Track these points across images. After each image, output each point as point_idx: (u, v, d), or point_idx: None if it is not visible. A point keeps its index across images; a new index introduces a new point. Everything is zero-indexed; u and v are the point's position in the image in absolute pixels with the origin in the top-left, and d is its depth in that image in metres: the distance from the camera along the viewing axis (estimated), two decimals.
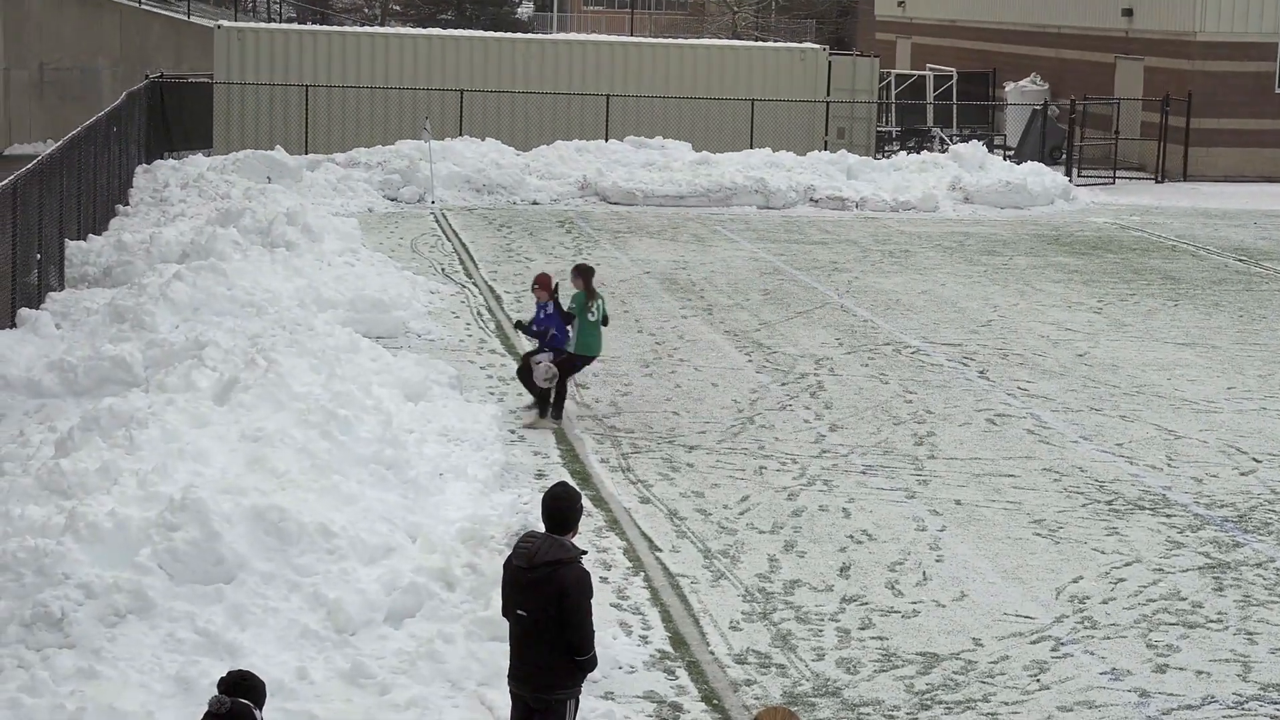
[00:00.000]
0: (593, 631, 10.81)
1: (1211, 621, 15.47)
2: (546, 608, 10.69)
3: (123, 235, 31.35)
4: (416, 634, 13.47)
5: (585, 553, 11.06)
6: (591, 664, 10.87)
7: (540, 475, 19.33)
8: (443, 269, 32.45)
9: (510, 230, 38.02)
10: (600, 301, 21.89)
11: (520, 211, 41.38)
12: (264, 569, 13.97)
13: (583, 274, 22.03)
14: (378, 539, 15.09)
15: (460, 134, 47.44)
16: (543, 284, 22.05)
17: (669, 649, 14.53)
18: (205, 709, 9.30)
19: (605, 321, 21.99)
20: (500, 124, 49.12)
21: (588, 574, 10.82)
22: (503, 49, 51.23)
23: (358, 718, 12.08)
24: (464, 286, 30.72)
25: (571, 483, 18.93)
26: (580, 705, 11.07)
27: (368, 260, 30.23)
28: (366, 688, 12.66)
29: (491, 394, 22.87)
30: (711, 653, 14.48)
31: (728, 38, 78.17)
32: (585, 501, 18.22)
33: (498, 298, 29.84)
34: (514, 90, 50.03)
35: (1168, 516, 18.48)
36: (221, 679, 9.46)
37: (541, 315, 21.92)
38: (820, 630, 15.03)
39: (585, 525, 17.60)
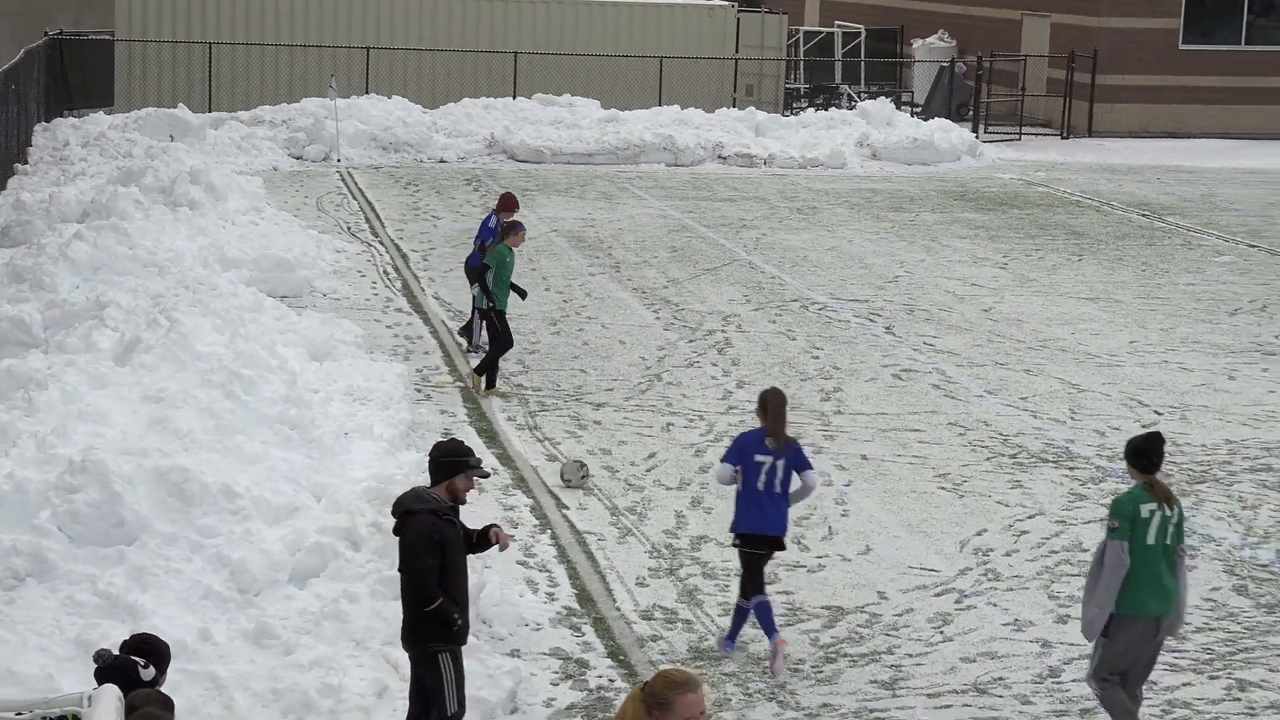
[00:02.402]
0: (429, 581, 10.72)
1: None
2: (400, 559, 10.92)
3: (21, 194, 30.96)
4: (321, 594, 13.42)
5: (453, 505, 11.01)
6: (444, 616, 10.74)
7: (447, 434, 19.26)
8: (348, 227, 32.27)
9: (417, 188, 37.84)
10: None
11: (427, 170, 41.19)
12: (166, 530, 13.87)
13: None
14: (282, 499, 15.01)
15: (367, 92, 47.12)
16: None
17: (575, 606, 14.54)
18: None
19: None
20: (407, 81, 48.83)
21: (430, 523, 10.78)
22: (409, 6, 50.89)
23: (261, 678, 12.02)
24: (370, 245, 30.56)
25: (472, 439, 18.94)
26: (461, 660, 11.08)
27: (272, 219, 30.02)
28: (270, 648, 12.60)
29: (398, 353, 22.77)
30: (618, 609, 14.50)
31: None
32: (491, 459, 18.28)
33: (404, 256, 29.71)
34: (421, 48, 49.74)
35: (1070, 469, 18.63)
36: (124, 642, 9.38)
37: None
38: (726, 586, 15.07)
39: (492, 484, 17.58)
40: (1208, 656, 13.80)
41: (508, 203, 23.30)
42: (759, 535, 13.41)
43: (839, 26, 61.54)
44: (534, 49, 50.00)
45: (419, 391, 20.90)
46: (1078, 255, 31.68)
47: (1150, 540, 11.79)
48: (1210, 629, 14.36)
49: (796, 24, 63.11)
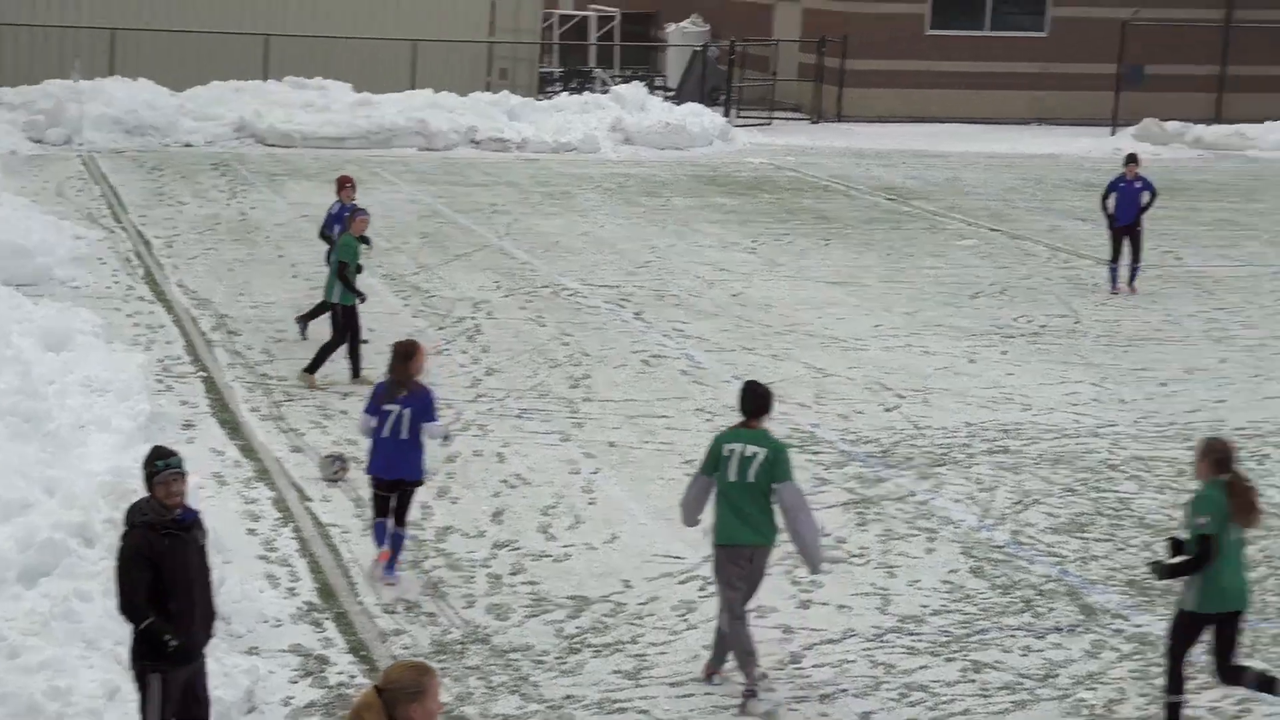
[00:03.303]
0: (135, 600, 10.27)
1: (854, 556, 15.81)
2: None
3: None
4: (51, 593, 13.06)
5: (181, 516, 10.45)
6: (154, 636, 10.27)
7: (189, 425, 18.97)
8: (90, 214, 31.58)
9: (162, 173, 37.16)
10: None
11: (174, 154, 40.47)
12: None
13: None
14: (13, 494, 14.60)
15: (111, 73, 46.13)
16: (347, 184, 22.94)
17: (317, 600, 14.36)
18: None
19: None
20: (154, 64, 47.82)
21: (141, 539, 10.31)
22: None
23: None
24: (112, 231, 29.95)
25: (214, 431, 18.63)
26: (175, 682, 10.52)
27: (9, 204, 29.23)
28: None
29: (139, 342, 22.32)
30: (360, 603, 14.36)
31: None
32: (234, 451, 18.01)
33: (147, 243, 29.15)
34: (169, 29, 48.82)
35: (815, 453, 18.84)
36: None
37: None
38: (472, 577, 15.01)
39: (234, 476, 17.34)
40: (944, 639, 14.03)
41: (341, 184, 23.17)
42: (382, 479, 14.66)
43: (594, 10, 61.62)
44: (284, 31, 49.32)
45: (160, 382, 20.51)
46: (825, 240, 32.07)
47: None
48: (947, 611, 14.60)
49: (551, 8, 63.08)
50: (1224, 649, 12.25)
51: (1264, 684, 12.38)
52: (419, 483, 14.91)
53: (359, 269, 21.45)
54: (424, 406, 14.64)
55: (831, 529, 16.45)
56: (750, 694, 12.76)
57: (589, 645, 13.71)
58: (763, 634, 13.97)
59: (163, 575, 10.27)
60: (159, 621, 10.30)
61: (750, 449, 12.77)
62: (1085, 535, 16.49)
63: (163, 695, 10.43)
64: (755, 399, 13.05)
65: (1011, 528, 16.68)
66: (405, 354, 14.78)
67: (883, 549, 16.02)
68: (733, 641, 12.87)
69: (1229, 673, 12.35)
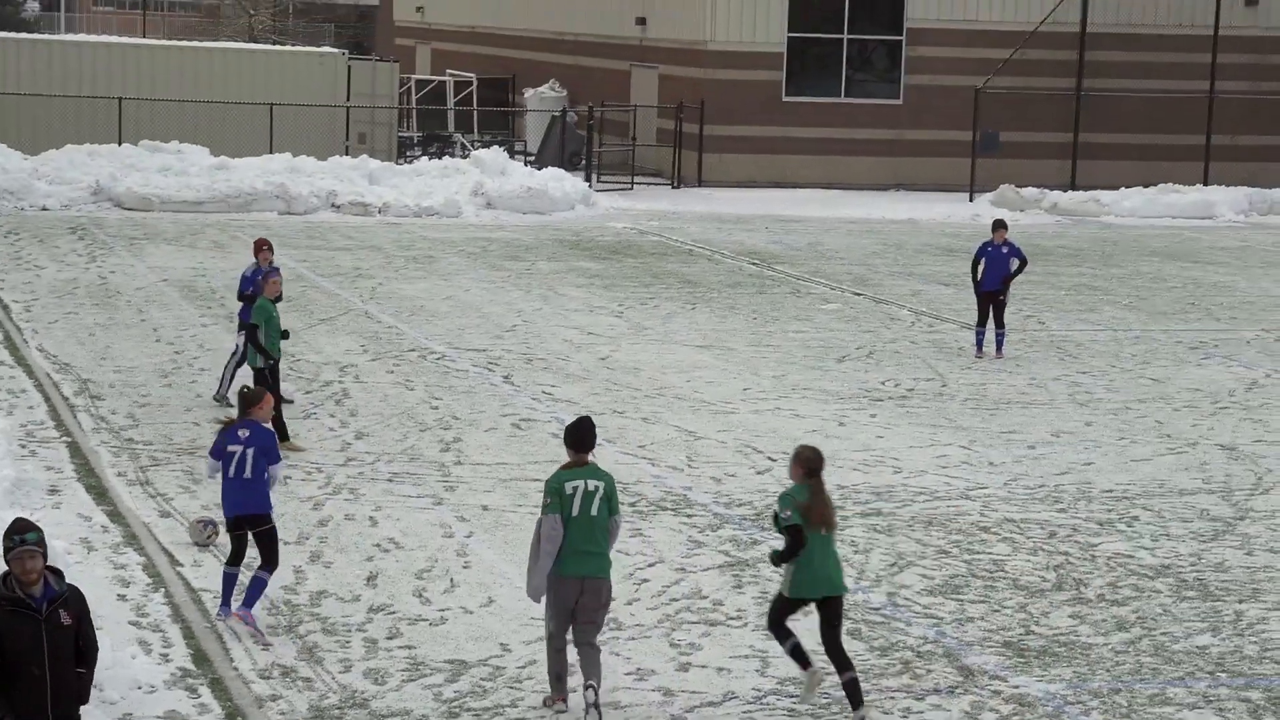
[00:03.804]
0: None
1: (731, 619, 15.76)
2: None
3: None
4: None
5: (27, 595, 10.10)
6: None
7: (54, 490, 18.64)
8: None
9: (19, 237, 36.63)
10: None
11: (29, 218, 39.91)
12: None
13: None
14: None
15: None
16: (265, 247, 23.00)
17: (191, 666, 14.11)
18: None
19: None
20: (6, 127, 47.26)
21: None
22: (7, 49, 49.42)
23: None
24: None
25: (80, 496, 18.32)
26: None
27: None
28: None
29: (0, 408, 21.92)
30: (235, 669, 14.11)
31: (245, 41, 76.97)
32: (101, 516, 17.71)
33: (5, 307, 28.68)
34: (20, 92, 48.23)
35: (689, 516, 18.80)
36: None
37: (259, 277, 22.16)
38: (347, 641, 14.81)
39: (102, 541, 17.04)
40: (824, 700, 13.99)
41: (258, 248, 23.08)
42: (237, 516, 15.00)
43: (451, 75, 61.64)
44: (139, 94, 48.88)
45: (23, 447, 20.14)
46: (691, 304, 32.15)
47: None
48: (827, 672, 14.54)
49: (408, 72, 63.07)
50: (827, 628, 13.55)
51: (851, 690, 13.48)
52: (267, 517, 15.00)
53: (285, 333, 21.27)
54: (266, 447, 14.90)
55: (708, 591, 16.41)
56: (550, 703, 13.51)
57: (468, 709, 13.56)
58: (642, 697, 13.90)
59: (4, 653, 9.93)
60: None
61: (592, 484, 13.29)
62: (960, 597, 16.55)
63: None
64: (589, 434, 13.59)
65: (887, 589, 16.72)
66: (251, 400, 15.19)
67: (759, 611, 15.96)
68: (552, 665, 13.56)
69: (835, 651, 13.55)
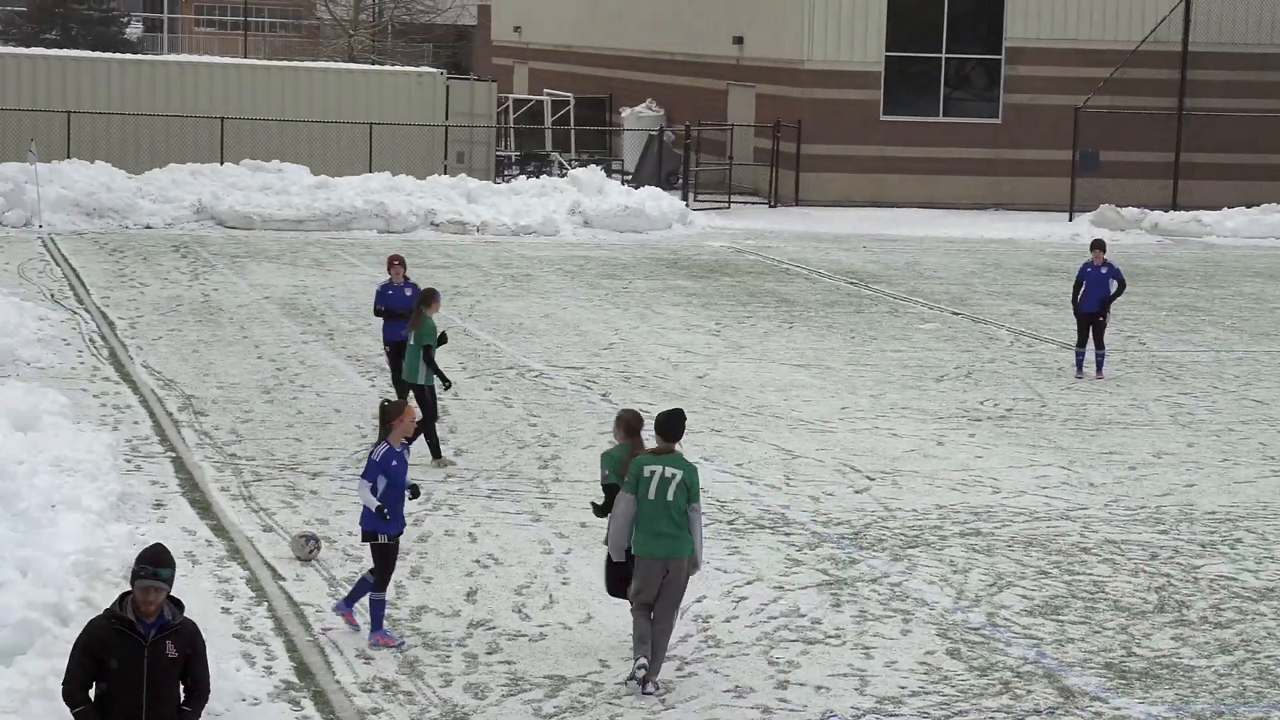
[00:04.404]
0: (68, 685, 10.11)
1: (830, 637, 15.75)
2: None
3: None
4: (28, 671, 12.94)
5: (109, 611, 10.24)
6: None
7: (159, 505, 18.85)
8: (52, 295, 31.47)
9: (123, 255, 37.06)
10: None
11: (133, 236, 40.38)
12: None
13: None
14: None
15: (68, 156, 46.06)
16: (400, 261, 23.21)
17: (294, 679, 14.23)
18: None
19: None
20: (110, 147, 47.85)
21: (95, 628, 10.11)
22: (111, 70, 50.02)
23: None
24: (75, 313, 29.83)
25: (185, 511, 18.53)
26: None
27: None
28: None
29: (106, 422, 22.20)
30: (338, 682, 14.23)
31: (344, 61, 77.55)
32: (206, 530, 17.91)
33: (110, 324, 29.04)
34: (124, 112, 48.82)
35: (786, 535, 18.80)
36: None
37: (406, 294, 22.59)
38: (448, 656, 14.90)
39: (207, 555, 17.21)
40: None
41: (391, 263, 23.48)
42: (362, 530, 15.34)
43: (549, 95, 61.91)
44: (240, 114, 49.39)
45: (129, 462, 20.38)
46: (788, 322, 32.15)
47: None
48: (925, 692, 14.54)
49: (506, 91, 63.38)
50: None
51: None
52: (368, 534, 15.10)
53: (443, 337, 21.44)
54: (367, 463, 15.02)
55: (806, 609, 16.40)
56: (633, 678, 14.17)
57: None
58: (741, 715, 13.92)
59: (106, 670, 9.98)
60: (86, 712, 10.03)
61: (670, 470, 13.99)
62: (1061, 618, 16.46)
63: None
64: (677, 424, 14.29)
65: (987, 610, 16.65)
66: (391, 413, 15.16)
67: (858, 630, 15.97)
68: (634, 628, 14.24)
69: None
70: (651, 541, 14.02)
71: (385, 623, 15.16)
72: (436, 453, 20.92)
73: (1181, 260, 44.10)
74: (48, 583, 14.62)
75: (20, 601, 14.12)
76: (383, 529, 14.98)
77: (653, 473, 14.01)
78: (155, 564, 10.06)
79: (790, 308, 33.87)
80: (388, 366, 23.26)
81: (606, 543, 14.63)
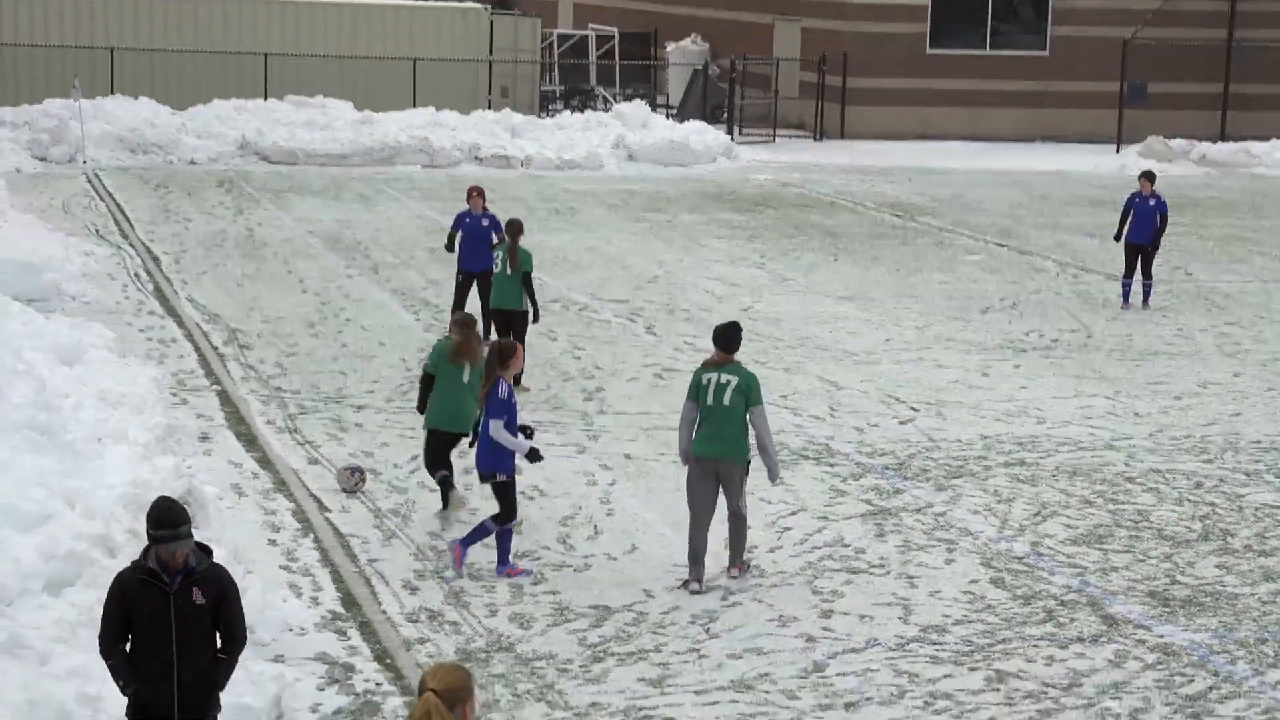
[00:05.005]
0: (101, 638, 9.99)
1: (874, 567, 15.76)
2: None
3: None
4: (77, 602, 13.03)
5: (134, 563, 10.05)
6: (113, 677, 10.06)
7: (205, 437, 18.96)
8: (97, 230, 31.58)
9: (168, 190, 37.15)
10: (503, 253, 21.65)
11: (177, 171, 40.48)
12: None
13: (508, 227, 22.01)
14: (34, 506, 14.55)
15: (112, 93, 46.15)
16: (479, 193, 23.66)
17: (340, 610, 14.32)
18: None
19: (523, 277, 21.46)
20: (154, 83, 47.90)
21: (123, 581, 9.89)
22: (155, 5, 50.01)
23: (15, 689, 11.65)
24: (119, 248, 29.94)
25: (230, 444, 18.63)
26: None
27: (16, 221, 29.26)
28: (24, 658, 12.21)
29: (151, 356, 22.30)
30: (384, 612, 14.31)
31: None
32: (251, 463, 18.00)
33: (155, 259, 29.14)
34: (168, 49, 48.85)
35: (831, 466, 18.80)
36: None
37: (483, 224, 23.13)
38: (493, 587, 14.96)
39: (253, 488, 17.31)
40: (967, 648, 13.98)
41: (470, 194, 23.96)
42: (478, 471, 15.56)
43: (593, 29, 61.69)
44: (284, 50, 49.38)
45: (174, 395, 20.48)
46: (834, 255, 32.07)
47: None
48: (969, 621, 14.56)
49: (550, 26, 63.15)
50: (438, 453, 16.75)
51: (446, 487, 16.65)
52: (488, 475, 15.22)
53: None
54: (489, 406, 15.06)
55: (850, 539, 16.42)
56: (686, 584, 15.00)
57: (612, 654, 13.66)
58: (785, 643, 13.95)
59: (134, 624, 9.82)
60: (118, 664, 9.89)
61: (726, 378, 14.92)
62: (1105, 547, 16.44)
63: None
64: (734, 336, 15.27)
65: (1031, 539, 16.64)
66: (505, 353, 15.29)
67: (902, 560, 15.98)
68: (689, 546, 15.09)
69: (438, 469, 16.67)
70: (705, 444, 14.88)
71: (508, 556, 15.31)
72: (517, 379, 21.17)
73: (1229, 191, 43.82)
74: (95, 515, 14.69)
75: (68, 533, 14.20)
76: (503, 467, 15.07)
77: (710, 380, 14.88)
78: (173, 525, 9.73)
79: (835, 240, 33.78)
80: (455, 296, 23.56)
81: (420, 411, 16.95)
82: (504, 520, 15.22)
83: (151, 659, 9.80)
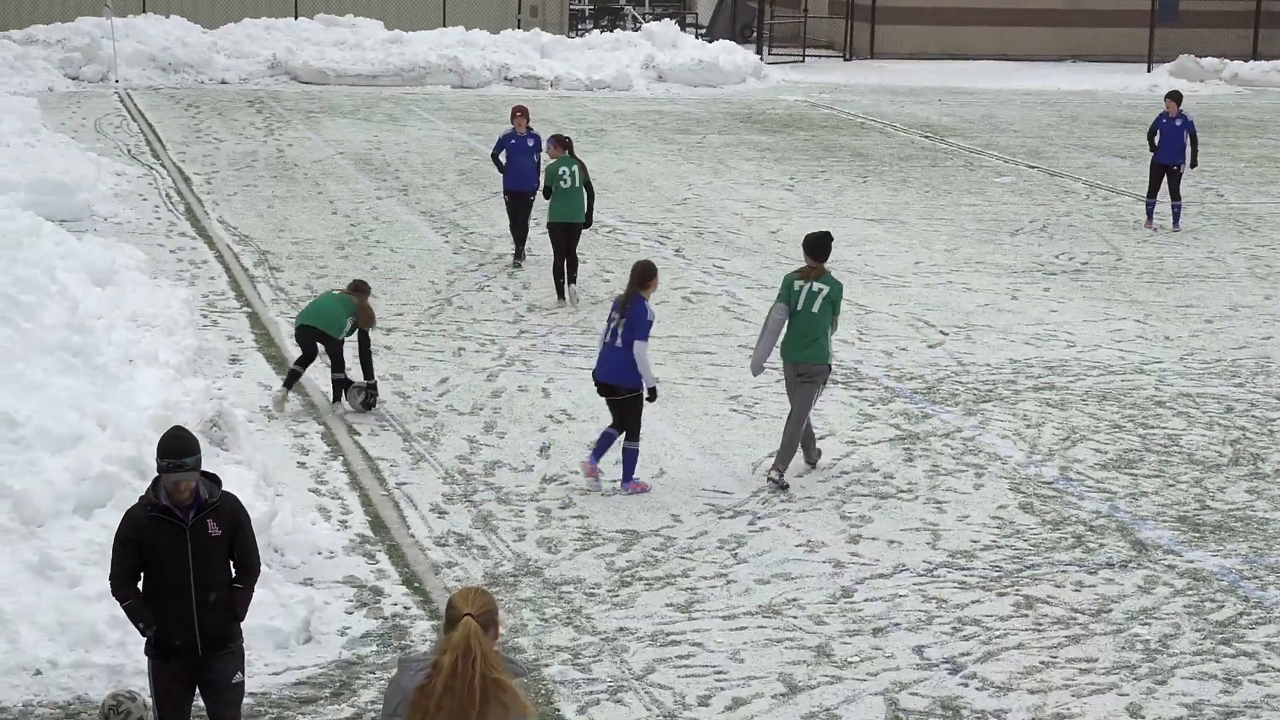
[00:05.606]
0: (114, 579, 9.79)
1: (902, 492, 15.78)
2: None
3: None
4: (108, 524, 13.08)
5: (143, 499, 9.79)
6: (130, 618, 9.84)
7: (235, 359, 19.01)
8: (129, 150, 31.59)
9: (198, 110, 37.12)
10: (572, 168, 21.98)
11: (208, 91, 40.42)
12: None
13: (559, 143, 22.34)
14: (65, 427, 14.63)
15: (143, 11, 46.09)
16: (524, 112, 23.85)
17: (369, 533, 14.39)
18: None
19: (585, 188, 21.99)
20: (185, 1, 47.82)
21: (132, 518, 9.69)
22: None
23: (47, 611, 11.75)
24: (151, 168, 29.95)
25: (260, 366, 18.68)
26: (164, 673, 9.87)
27: (49, 141, 29.28)
28: (55, 580, 12.31)
29: (182, 278, 22.35)
30: (412, 535, 14.38)
31: None
32: (280, 385, 18.05)
33: (187, 179, 29.15)
34: None
35: (859, 390, 18.80)
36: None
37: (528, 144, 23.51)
38: (521, 511, 15.01)
39: (284, 409, 17.35)
40: (995, 574, 14.00)
41: (514, 114, 24.27)
42: (600, 382, 15.71)
43: None
44: None
45: (205, 317, 20.54)
46: (863, 177, 31.96)
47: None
48: (998, 546, 14.57)
49: None
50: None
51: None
52: (618, 388, 15.48)
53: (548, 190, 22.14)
54: (634, 322, 15.33)
55: (879, 464, 16.44)
56: (772, 482, 15.69)
57: (640, 579, 13.71)
58: (813, 568, 13.98)
59: (149, 561, 9.61)
60: (136, 605, 9.69)
61: (816, 286, 15.69)
62: (1134, 471, 16.43)
63: (155, 685, 9.79)
64: (823, 245, 15.97)
65: (1060, 464, 16.63)
66: (646, 274, 15.66)
67: (931, 485, 15.99)
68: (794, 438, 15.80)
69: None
70: (793, 348, 15.69)
71: (598, 460, 15.69)
72: (561, 293, 21.89)
73: (1261, 111, 43.50)
74: (126, 436, 14.76)
75: (100, 455, 14.27)
76: (631, 382, 15.43)
77: (801, 287, 15.67)
78: (180, 455, 9.46)
79: (865, 162, 33.66)
80: (507, 215, 23.90)
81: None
82: (632, 435, 15.59)
83: (172, 596, 9.61)
